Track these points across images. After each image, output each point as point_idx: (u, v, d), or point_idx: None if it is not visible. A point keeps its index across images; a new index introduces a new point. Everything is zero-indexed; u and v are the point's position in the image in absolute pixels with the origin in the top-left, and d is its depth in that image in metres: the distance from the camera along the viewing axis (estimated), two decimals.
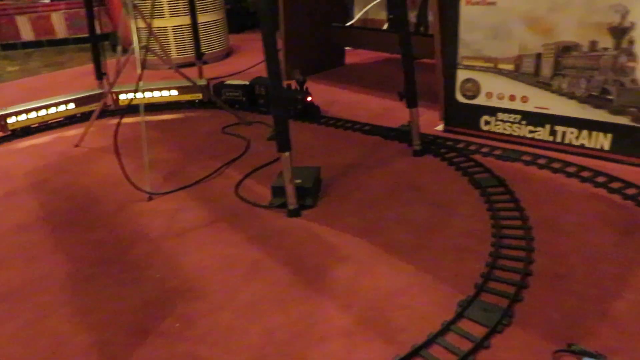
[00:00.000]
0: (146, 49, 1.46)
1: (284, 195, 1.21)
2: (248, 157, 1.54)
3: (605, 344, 0.77)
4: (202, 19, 2.74)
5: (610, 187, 1.20)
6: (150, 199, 1.33)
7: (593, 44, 1.28)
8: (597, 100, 1.31)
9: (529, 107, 1.43)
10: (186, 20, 2.72)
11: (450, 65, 1.55)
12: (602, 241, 1.02)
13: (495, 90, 1.48)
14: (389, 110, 1.86)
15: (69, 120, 1.94)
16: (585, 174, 1.27)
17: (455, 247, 1.04)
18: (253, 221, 1.19)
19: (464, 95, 1.55)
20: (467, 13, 1.45)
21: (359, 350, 0.79)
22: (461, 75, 1.53)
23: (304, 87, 1.77)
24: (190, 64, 2.51)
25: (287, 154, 1.16)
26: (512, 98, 1.45)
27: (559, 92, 1.36)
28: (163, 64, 2.39)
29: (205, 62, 2.71)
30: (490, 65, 1.46)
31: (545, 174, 1.30)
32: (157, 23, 2.72)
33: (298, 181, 1.23)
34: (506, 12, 1.38)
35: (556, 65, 1.35)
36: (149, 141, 1.41)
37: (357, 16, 2.95)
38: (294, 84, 1.83)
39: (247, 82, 1.95)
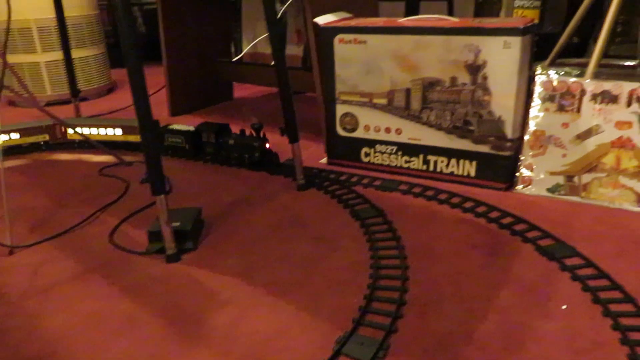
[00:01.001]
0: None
1: (162, 239, 1.15)
2: (126, 201, 1.46)
3: None
4: (80, 53, 2.60)
5: (476, 212, 1.29)
6: (11, 252, 1.20)
7: (453, 80, 1.38)
8: (461, 131, 1.42)
9: (403, 139, 1.51)
10: (61, 55, 2.56)
11: (330, 99, 1.60)
12: (469, 264, 1.08)
13: (372, 123, 1.54)
14: (275, 145, 1.87)
15: None
16: (455, 200, 1.36)
17: (336, 281, 1.05)
18: (128, 270, 1.12)
19: (344, 129, 1.60)
20: (341, 50, 1.52)
21: None
22: (340, 109, 1.58)
23: (261, 133, 1.63)
24: (67, 101, 2.36)
25: (162, 196, 1.12)
26: (387, 130, 1.52)
27: (428, 124, 1.46)
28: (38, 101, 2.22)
29: (84, 99, 2.57)
30: (366, 99, 1.53)
31: (420, 202, 1.37)
32: (28, 58, 2.53)
33: (176, 224, 1.18)
34: (376, 50, 1.46)
35: (424, 99, 1.44)
36: (13, 187, 1.28)
37: (244, 51, 2.96)
38: (248, 129, 1.71)
39: (192, 128, 1.77)
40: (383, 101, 1.50)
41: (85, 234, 1.28)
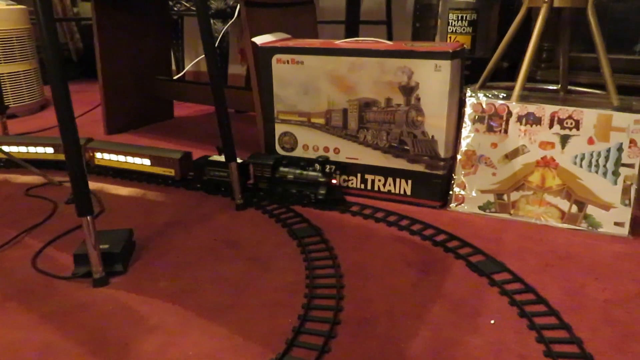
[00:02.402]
0: None
1: (89, 263, 1.10)
2: (53, 222, 1.39)
3: None
4: (8, 69, 2.48)
5: (411, 229, 1.32)
6: None
7: (388, 101, 1.42)
8: (396, 150, 1.45)
9: (341, 158, 1.52)
10: None
11: (269, 119, 1.60)
12: (403, 282, 1.10)
13: (310, 142, 1.55)
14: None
15: None
16: (391, 218, 1.38)
17: (270, 302, 1.03)
18: (51, 296, 1.06)
19: (283, 148, 1.60)
20: (279, 71, 1.52)
21: None
22: (279, 128, 1.58)
23: (327, 167, 1.46)
24: None
25: (88, 217, 1.07)
26: (326, 150, 1.54)
27: (365, 144, 1.48)
28: None
29: (13, 116, 2.45)
30: (304, 119, 1.54)
31: (358, 221, 1.39)
32: None
33: (105, 246, 1.13)
34: (313, 71, 1.48)
35: (360, 119, 1.47)
36: None
37: (185, 69, 2.93)
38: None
39: (239, 161, 1.51)
40: (321, 121, 1.51)
41: (6, 258, 1.20)
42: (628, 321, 0.97)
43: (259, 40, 1.56)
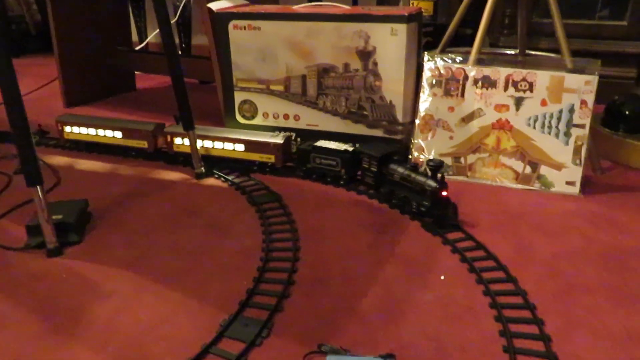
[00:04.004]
0: None
1: (42, 234, 1.08)
2: (8, 195, 1.36)
3: (352, 339, 0.83)
4: None
5: (369, 193, 1.33)
6: None
7: (346, 66, 1.41)
8: (355, 116, 1.45)
9: (301, 125, 1.52)
10: None
11: (228, 87, 1.58)
12: (358, 244, 1.12)
13: (270, 110, 1.54)
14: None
15: None
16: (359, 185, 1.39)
17: (226, 267, 1.04)
18: (3, 268, 1.05)
19: (243, 116, 1.59)
20: (236, 37, 1.50)
21: None
22: (238, 96, 1.57)
23: (439, 174, 1.17)
24: None
25: (38, 187, 1.05)
26: (286, 117, 1.53)
27: (325, 110, 1.48)
28: None
29: None
30: (263, 86, 1.52)
31: (318, 187, 1.39)
32: None
33: (59, 216, 1.12)
34: (270, 37, 1.46)
35: (319, 85, 1.46)
36: None
37: (147, 39, 2.86)
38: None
39: (349, 147, 1.37)
40: (280, 88, 1.51)
41: None
42: (572, 274, 1.01)
43: (215, 6, 1.53)
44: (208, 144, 1.49)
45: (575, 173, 1.34)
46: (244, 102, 1.56)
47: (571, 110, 1.33)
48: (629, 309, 0.90)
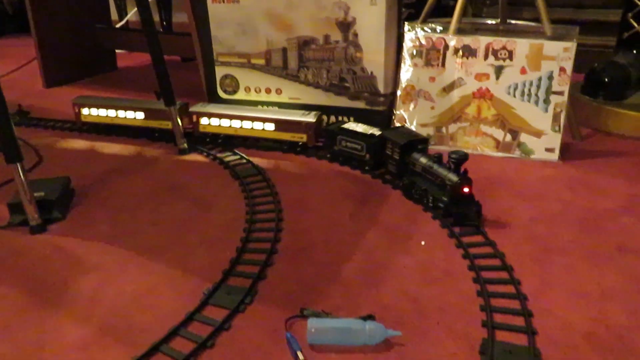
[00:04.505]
0: None
1: (25, 211, 1.08)
2: None
3: (334, 303, 0.85)
4: None
5: (352, 165, 1.34)
6: None
7: (327, 38, 1.41)
8: (337, 88, 1.45)
9: (283, 99, 1.52)
10: None
11: (209, 62, 1.57)
12: (340, 213, 1.13)
13: (252, 84, 1.54)
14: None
15: None
16: (322, 153, 1.40)
17: (210, 239, 1.05)
18: None
19: (225, 91, 1.58)
20: (215, 11, 1.49)
21: None
22: (219, 71, 1.56)
23: (461, 167, 1.06)
24: None
25: (18, 164, 1.05)
26: (267, 91, 1.53)
27: (306, 83, 1.48)
28: None
29: None
30: (244, 60, 1.52)
31: (301, 159, 1.40)
32: None
33: (41, 194, 1.12)
34: (250, 10, 1.45)
35: (300, 58, 1.46)
36: None
37: (126, 17, 2.81)
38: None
39: (377, 131, 1.29)
40: (261, 61, 1.50)
41: None
42: (548, 237, 1.03)
43: None
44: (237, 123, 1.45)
45: (555, 140, 1.35)
46: (225, 76, 1.56)
47: (550, 78, 1.35)
48: (603, 268, 0.93)
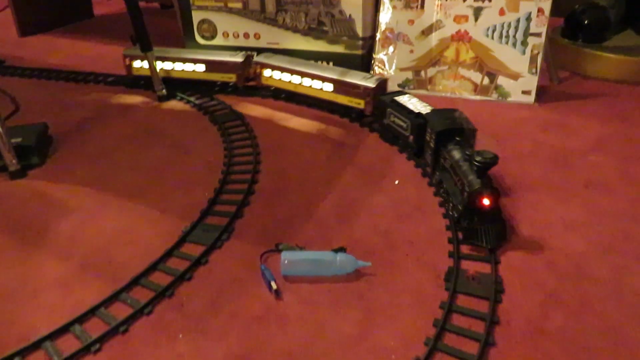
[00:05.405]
0: None
1: (2, 157, 1.09)
2: None
3: (308, 238, 0.88)
4: None
5: (330, 109, 1.35)
6: None
7: None
8: (316, 32, 1.44)
9: (262, 44, 1.51)
10: None
11: (185, 6, 1.54)
12: (318, 156, 1.15)
13: (230, 29, 1.52)
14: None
15: None
16: (311, 100, 1.40)
17: (188, 181, 1.06)
18: None
19: (203, 37, 1.56)
20: None
21: (75, 294, 0.78)
22: (196, 16, 1.53)
23: (486, 172, 0.85)
24: None
25: None
26: (246, 36, 1.51)
27: (285, 27, 1.46)
28: None
29: None
30: (221, 4, 1.49)
31: (280, 104, 1.40)
32: None
33: (18, 139, 1.12)
34: None
35: (278, 1, 1.43)
36: None
37: None
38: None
39: (429, 109, 1.09)
40: (238, 5, 1.47)
41: None
42: (518, 174, 1.06)
43: None
44: None
45: (531, 82, 1.36)
46: (203, 21, 1.53)
47: (528, 19, 1.34)
48: (569, 203, 0.97)
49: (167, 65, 1.47)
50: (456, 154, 0.91)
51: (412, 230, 0.89)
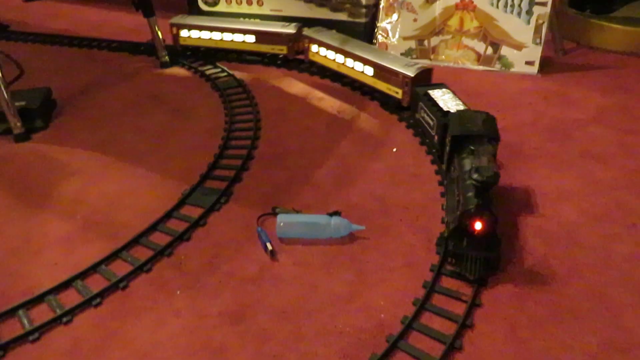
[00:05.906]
0: None
1: (7, 120, 1.11)
2: None
3: (304, 202, 0.90)
4: None
5: (331, 77, 1.35)
6: None
7: None
8: None
9: (265, 11, 1.50)
10: None
11: None
12: (317, 123, 1.15)
13: None
14: (142, 25, 1.77)
15: None
16: (314, 68, 1.40)
17: (189, 146, 1.08)
18: None
19: (206, 3, 1.55)
20: None
21: (77, 252, 0.80)
22: None
23: (485, 192, 0.74)
24: None
25: None
26: (249, 2, 1.50)
27: None
28: None
29: None
30: None
31: (282, 72, 1.40)
32: None
33: (22, 103, 1.14)
34: None
35: None
36: None
37: None
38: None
39: (459, 106, 0.99)
40: None
41: None
42: (516, 144, 1.06)
43: None
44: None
45: (535, 52, 1.35)
46: None
47: None
48: (564, 172, 0.97)
49: (216, 36, 1.42)
50: (466, 164, 0.79)
51: (407, 196, 0.91)
